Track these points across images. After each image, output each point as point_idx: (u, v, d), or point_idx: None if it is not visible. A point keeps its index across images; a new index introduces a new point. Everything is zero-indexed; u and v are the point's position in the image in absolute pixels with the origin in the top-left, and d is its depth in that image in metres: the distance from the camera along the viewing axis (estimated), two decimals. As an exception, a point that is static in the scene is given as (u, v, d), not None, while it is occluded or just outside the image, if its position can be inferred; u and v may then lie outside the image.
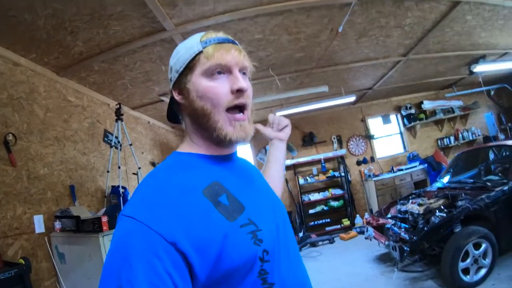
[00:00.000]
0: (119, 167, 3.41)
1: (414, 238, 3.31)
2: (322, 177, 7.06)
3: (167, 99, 4.20)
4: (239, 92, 0.74)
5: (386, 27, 3.52)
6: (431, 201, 3.85)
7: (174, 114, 0.88)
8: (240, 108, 0.76)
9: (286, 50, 3.66)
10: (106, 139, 3.81)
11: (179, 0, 2.35)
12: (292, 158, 7.22)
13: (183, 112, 0.82)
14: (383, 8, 3.07)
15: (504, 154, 4.11)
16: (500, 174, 3.82)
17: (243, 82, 0.74)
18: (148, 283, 0.54)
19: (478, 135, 7.40)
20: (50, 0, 2.05)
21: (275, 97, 4.93)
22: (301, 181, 7.00)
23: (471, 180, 4.00)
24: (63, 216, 2.66)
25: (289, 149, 6.00)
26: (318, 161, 7.17)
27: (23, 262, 2.10)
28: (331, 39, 3.53)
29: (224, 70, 0.74)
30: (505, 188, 3.44)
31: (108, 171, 3.52)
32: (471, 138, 7.34)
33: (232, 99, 0.74)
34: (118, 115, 3.51)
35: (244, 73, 0.78)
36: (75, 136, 3.27)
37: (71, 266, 2.54)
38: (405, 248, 3.41)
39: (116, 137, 3.54)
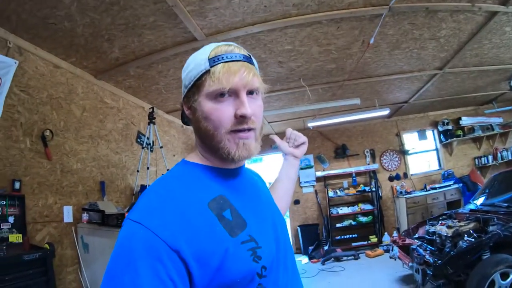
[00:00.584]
0: (147, 168, 3.57)
1: (438, 262, 3.16)
2: (352, 191, 6.93)
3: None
4: (242, 117, 0.72)
5: (420, 39, 3.44)
6: (461, 224, 3.66)
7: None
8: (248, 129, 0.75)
9: (317, 61, 3.68)
10: (138, 140, 4.02)
11: (209, 12, 2.45)
12: (323, 170, 7.18)
13: (192, 125, 0.82)
14: (416, 19, 3.01)
15: None
16: None
17: (248, 108, 0.71)
18: (151, 287, 0.55)
19: None
20: (87, 10, 2.23)
21: (307, 108, 4.93)
22: (331, 193, 6.91)
23: (505, 204, 3.76)
24: (89, 209, 2.85)
25: (321, 160, 6.05)
26: (349, 174, 7.04)
27: (48, 247, 2.25)
28: (362, 51, 3.51)
29: (230, 93, 0.72)
30: None
31: (138, 171, 3.68)
32: (510, 158, 6.86)
33: (235, 124, 0.72)
34: (151, 118, 3.69)
35: (255, 93, 0.76)
36: (109, 135, 3.49)
37: (93, 256, 2.71)
38: (428, 272, 3.27)
39: (148, 138, 3.73)
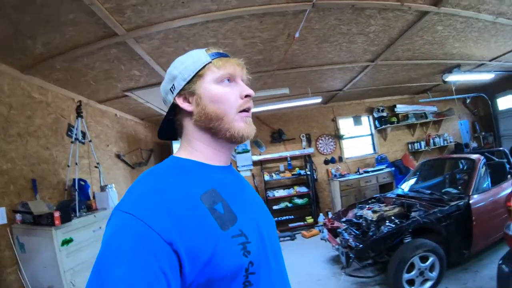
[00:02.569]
0: (76, 164, 3.65)
1: (360, 246, 3.46)
2: (288, 174, 7.37)
3: (131, 94, 4.46)
4: (247, 97, 0.89)
5: (348, 34, 3.57)
6: (387, 208, 4.02)
7: (165, 131, 0.97)
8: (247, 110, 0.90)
9: (243, 53, 3.74)
10: (69, 133, 4.05)
11: (127, 8, 2.51)
12: (260, 154, 7.54)
13: (187, 120, 0.90)
14: (342, 15, 3.12)
15: (466, 167, 4.24)
16: (459, 187, 3.95)
17: (250, 89, 0.90)
18: (143, 280, 0.58)
19: (450, 141, 7.73)
20: (5, 10, 2.29)
21: (236, 97, 5.18)
22: (267, 177, 7.30)
23: (429, 191, 4.13)
24: (20, 211, 2.95)
25: (258, 145, 6.42)
26: (285, 158, 7.47)
27: None
28: (289, 44, 3.61)
29: (231, 79, 0.89)
30: (461, 203, 3.55)
31: (68, 166, 3.76)
32: (442, 144, 7.66)
33: (243, 103, 0.88)
34: (79, 112, 3.77)
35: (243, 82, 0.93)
36: (38, 131, 3.52)
37: (30, 255, 2.85)
38: (350, 255, 3.58)
39: (81, 131, 3.81)
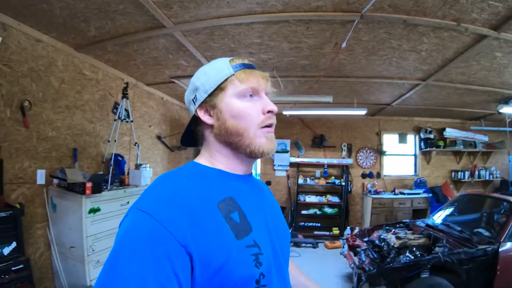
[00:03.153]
0: (115, 141, 3.92)
1: (373, 270, 3.39)
2: (322, 182, 7.33)
3: (178, 82, 4.69)
4: (270, 113, 0.86)
5: (398, 49, 3.46)
6: (412, 237, 3.87)
7: (189, 138, 0.97)
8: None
9: (288, 56, 3.77)
10: (115, 110, 4.37)
11: (174, 4, 2.64)
12: (298, 157, 7.56)
13: (208, 132, 0.90)
14: (393, 30, 3.03)
15: (505, 210, 3.95)
16: (493, 230, 3.70)
17: (274, 105, 0.87)
18: (156, 281, 0.59)
19: (497, 177, 7.22)
20: None
21: (280, 99, 5.23)
22: (301, 181, 7.32)
23: (459, 229, 3.92)
24: (56, 176, 3.27)
25: (297, 147, 6.50)
26: (322, 165, 7.44)
27: (19, 207, 2.67)
28: (336, 52, 3.58)
29: (254, 93, 0.86)
30: (489, 248, 3.35)
31: (109, 141, 4.05)
32: (488, 178, 7.19)
33: (265, 119, 0.86)
34: (124, 93, 4.03)
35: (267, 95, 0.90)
36: (85, 105, 3.85)
37: (60, 216, 3.17)
38: (362, 278, 3.52)
39: (126, 110, 4.09)
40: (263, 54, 3.77)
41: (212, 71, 0.87)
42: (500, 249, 3.32)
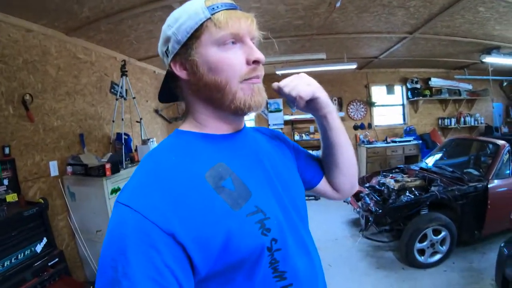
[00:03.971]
0: (122, 119, 3.84)
1: (379, 211, 3.63)
2: (317, 136, 7.32)
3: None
4: (255, 63, 0.71)
5: (388, 6, 3.51)
6: (409, 179, 4.13)
7: (167, 93, 0.83)
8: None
9: (283, 18, 3.74)
10: (112, 90, 4.22)
11: None
12: (291, 114, 7.55)
13: (186, 89, 0.76)
14: None
15: (491, 151, 4.19)
16: (481, 170, 3.96)
17: (260, 53, 0.71)
18: (146, 277, 0.52)
19: (481, 122, 7.48)
20: None
21: (274, 59, 5.18)
22: (297, 137, 7.42)
23: (451, 169, 4.17)
24: (74, 163, 3.21)
25: (289, 105, 6.45)
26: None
27: (42, 201, 2.62)
28: (329, 12, 3.58)
29: (237, 39, 0.70)
30: (479, 185, 3.59)
31: (113, 121, 3.96)
32: (473, 124, 7.45)
33: (249, 71, 0.71)
34: (123, 71, 3.89)
35: (254, 41, 0.75)
36: (84, 90, 3.70)
37: (80, 203, 3.16)
38: (370, 219, 3.76)
39: (121, 88, 3.94)
40: (260, 18, 3.49)
41: (185, 16, 0.70)
42: (489, 185, 3.61)
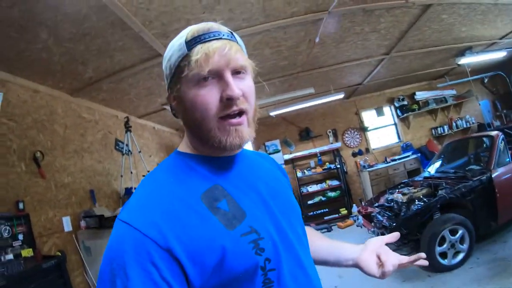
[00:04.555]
0: (131, 172, 3.91)
1: (393, 224, 3.56)
2: (319, 170, 7.44)
3: (168, 108, 4.68)
4: (229, 100, 0.66)
5: (361, 33, 3.81)
6: (415, 190, 4.09)
7: None
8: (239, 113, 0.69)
9: (270, 60, 4.02)
10: (117, 147, 4.31)
11: (171, 33, 2.76)
12: (290, 153, 7.65)
13: (180, 116, 0.76)
14: (355, 18, 3.36)
15: (486, 144, 4.23)
16: (481, 164, 3.99)
17: (234, 88, 0.65)
18: None
19: (473, 122, 7.55)
20: (63, 42, 2.52)
21: (266, 101, 5.39)
22: (299, 174, 7.41)
23: (453, 170, 4.21)
24: (89, 215, 3.19)
25: (287, 144, 6.54)
26: (314, 155, 7.52)
27: (60, 254, 2.59)
28: (311, 48, 3.85)
29: (213, 75, 0.66)
30: (483, 177, 3.60)
31: (121, 176, 4.01)
32: (465, 126, 7.51)
33: (223, 109, 0.66)
34: (127, 127, 4.01)
35: (242, 72, 0.70)
36: (91, 147, 3.80)
37: (95, 257, 3.07)
38: (385, 234, 3.61)
39: (127, 145, 4.05)
40: None
41: (171, 51, 0.71)
42: (493, 175, 3.62)
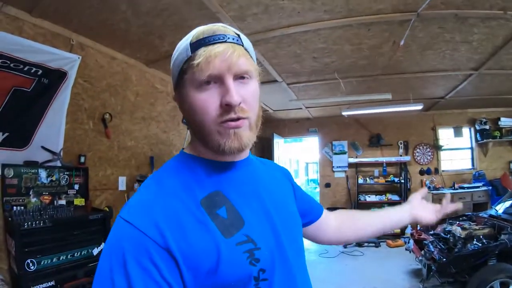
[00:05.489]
0: None
1: (443, 260, 3.27)
2: (381, 180, 6.97)
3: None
4: (228, 106, 0.62)
5: (451, 42, 3.40)
6: (477, 227, 3.68)
7: None
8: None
9: (349, 58, 3.78)
10: (184, 121, 4.37)
11: (248, 16, 2.69)
12: (356, 157, 7.27)
13: (185, 118, 0.73)
14: (445, 24, 3.00)
15: None
16: None
17: (234, 95, 0.62)
18: None
19: None
20: (141, 15, 2.57)
21: (340, 99, 5.06)
22: (361, 180, 7.00)
23: None
24: (143, 180, 3.27)
25: (355, 147, 6.19)
26: (380, 164, 7.07)
27: (107, 210, 2.71)
28: (394, 51, 3.54)
29: (214, 79, 0.63)
30: None
31: (183, 148, 4.02)
32: None
33: (222, 114, 0.63)
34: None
35: (246, 77, 0.66)
36: (158, 117, 3.91)
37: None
38: (432, 268, 3.39)
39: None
40: (326, 58, 3.77)
41: (177, 53, 0.68)
42: None
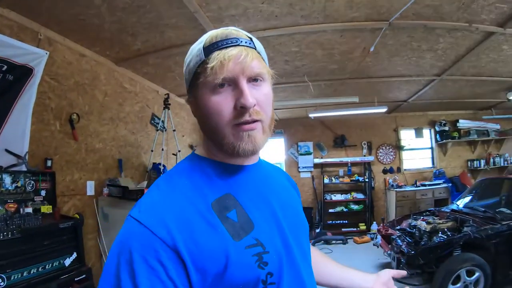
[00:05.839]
0: (162, 149, 3.82)
1: (412, 252, 3.42)
2: (346, 180, 7.18)
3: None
4: (243, 108, 0.63)
5: (418, 50, 3.60)
6: (440, 221, 3.90)
7: None
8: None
9: (320, 62, 3.85)
10: (152, 121, 4.26)
11: (226, 18, 2.67)
12: (321, 158, 7.42)
13: (197, 121, 0.74)
14: (414, 33, 3.17)
15: None
16: None
17: (248, 98, 0.63)
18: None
19: (510, 162, 7.00)
20: (116, 11, 2.45)
21: (308, 101, 5.18)
22: (326, 180, 7.15)
23: (483, 209, 3.94)
24: (113, 184, 3.14)
25: (320, 148, 6.28)
26: (345, 164, 7.28)
27: (78, 217, 2.51)
28: (363, 56, 3.67)
29: (228, 82, 0.64)
30: None
31: (152, 150, 3.91)
32: (502, 165, 6.97)
33: (236, 116, 0.64)
34: (166, 104, 3.90)
35: (259, 80, 0.67)
36: (126, 117, 3.74)
37: (112, 225, 3.03)
38: (402, 260, 3.52)
39: (163, 121, 3.97)
40: (298, 61, 3.82)
41: (190, 56, 0.70)
42: None
